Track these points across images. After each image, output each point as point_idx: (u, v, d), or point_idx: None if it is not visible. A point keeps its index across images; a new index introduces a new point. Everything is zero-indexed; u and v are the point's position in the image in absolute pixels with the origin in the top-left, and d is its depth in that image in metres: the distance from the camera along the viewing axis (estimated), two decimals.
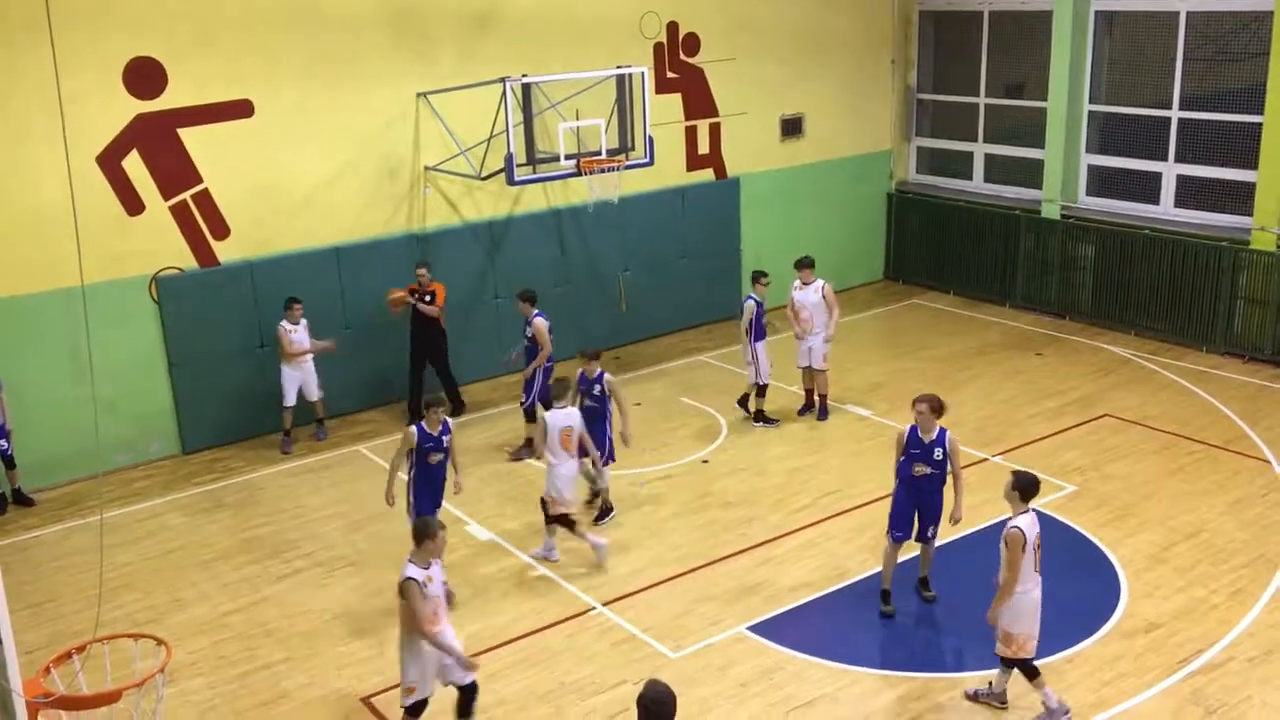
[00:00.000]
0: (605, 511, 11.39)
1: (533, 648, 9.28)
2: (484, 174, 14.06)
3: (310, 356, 13.22)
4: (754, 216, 17.61)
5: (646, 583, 10.15)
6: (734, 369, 15.54)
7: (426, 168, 14.51)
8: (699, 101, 16.80)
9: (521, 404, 13.03)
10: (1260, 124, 14.71)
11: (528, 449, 12.36)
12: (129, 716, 7.10)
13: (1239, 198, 15.33)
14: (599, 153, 13.75)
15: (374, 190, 14.23)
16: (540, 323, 12.70)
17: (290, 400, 13.25)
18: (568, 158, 13.50)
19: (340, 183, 13.94)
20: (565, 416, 10.41)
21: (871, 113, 18.77)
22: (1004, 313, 17.44)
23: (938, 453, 9.18)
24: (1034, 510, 8.07)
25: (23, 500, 12.19)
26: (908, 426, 9.29)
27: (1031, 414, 13.54)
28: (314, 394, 13.45)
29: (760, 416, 13.57)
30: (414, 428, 9.98)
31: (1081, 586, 9.86)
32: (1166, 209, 16.24)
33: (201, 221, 13.14)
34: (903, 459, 9.32)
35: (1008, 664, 8.12)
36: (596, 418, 11.10)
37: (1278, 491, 11.37)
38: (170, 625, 9.72)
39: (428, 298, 13.69)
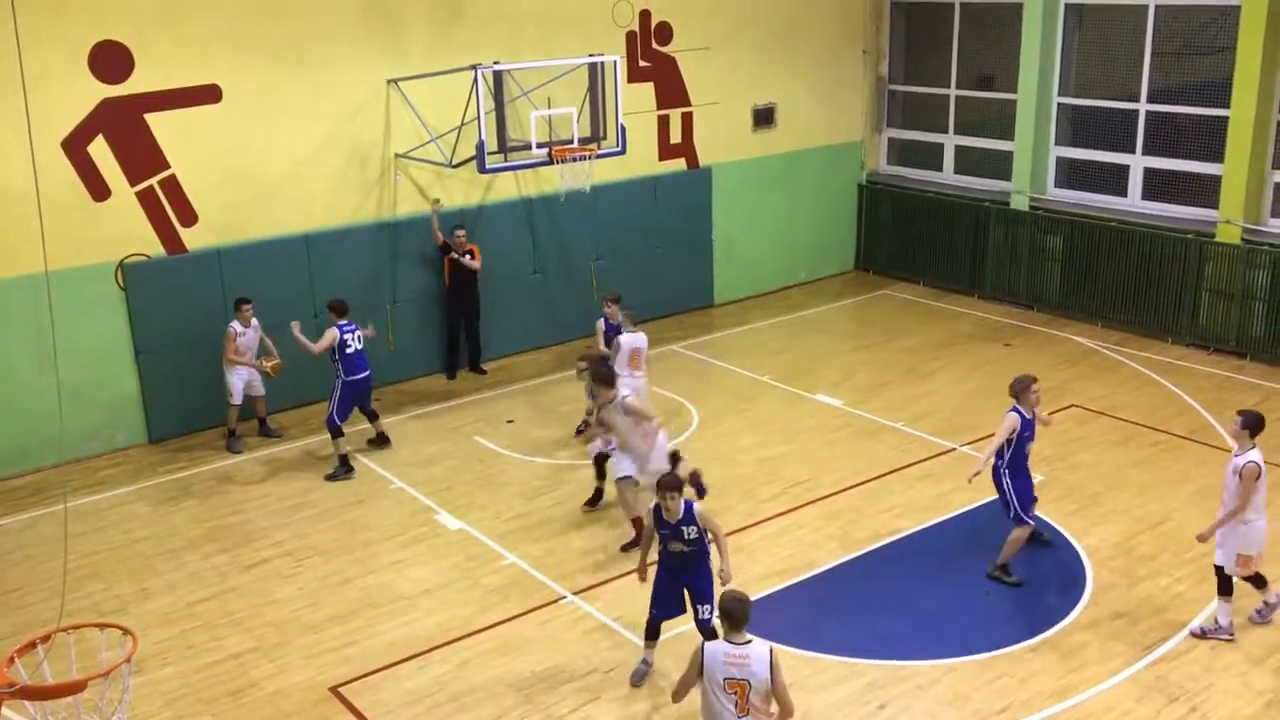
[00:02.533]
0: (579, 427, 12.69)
1: (503, 637, 9.28)
2: (455, 162, 14.00)
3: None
4: (726, 206, 17.63)
5: (617, 572, 10.17)
6: (706, 359, 15.59)
7: (397, 155, 14.42)
8: (671, 90, 16.78)
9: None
10: (1226, 117, 14.87)
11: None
12: (95, 706, 7.04)
13: (1205, 190, 15.50)
14: (571, 141, 13.71)
15: (344, 177, 14.13)
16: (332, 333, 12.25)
17: (238, 399, 12.95)
18: (539, 146, 13.45)
19: (309, 170, 13.84)
20: (635, 339, 11.98)
21: (843, 103, 18.82)
22: (973, 303, 17.56)
23: (1035, 424, 9.69)
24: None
25: None
26: (1015, 414, 9.55)
27: (1000, 404, 13.49)
28: (258, 390, 13.14)
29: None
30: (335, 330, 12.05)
31: (1047, 575, 9.96)
32: (1134, 201, 16.39)
33: (169, 208, 13.01)
34: (1017, 445, 9.59)
35: (1226, 592, 8.85)
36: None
37: None
38: (137, 615, 9.65)
39: (467, 255, 14.29)
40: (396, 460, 12.61)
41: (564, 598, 9.82)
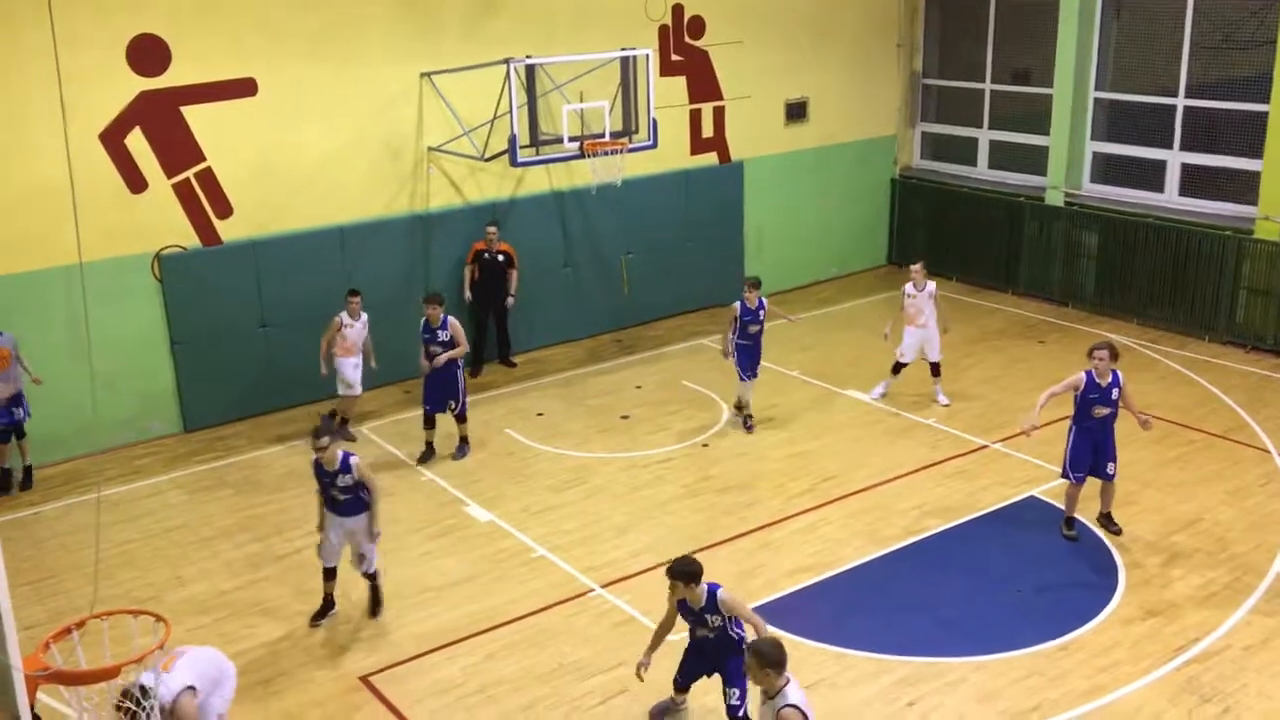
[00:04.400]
0: (745, 421, 12.90)
1: (531, 629, 9.32)
2: (487, 155, 14.04)
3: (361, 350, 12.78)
4: (757, 201, 17.58)
5: (645, 565, 10.18)
6: None
7: (430, 148, 14.48)
8: (703, 84, 16.75)
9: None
10: (1266, 113, 14.66)
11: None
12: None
13: (1244, 187, 15.29)
14: (602, 135, 13.71)
15: (377, 170, 14.21)
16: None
17: (357, 390, 12.76)
18: (571, 140, 13.47)
19: (343, 162, 13.93)
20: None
21: (877, 97, 18.71)
22: (1007, 300, 17.42)
23: (1114, 393, 9.98)
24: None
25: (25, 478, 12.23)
26: (1083, 372, 10.02)
27: (1033, 402, 13.50)
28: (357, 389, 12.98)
29: None
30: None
31: (1079, 574, 9.89)
32: (1171, 197, 16.19)
33: (205, 200, 13.13)
34: (1080, 404, 10.07)
35: None
36: (753, 338, 12.67)
37: (1277, 481, 11.38)
38: (170, 602, 9.75)
39: (500, 257, 14.58)
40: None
41: (592, 591, 9.84)
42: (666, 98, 15.94)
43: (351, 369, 12.69)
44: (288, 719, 8.27)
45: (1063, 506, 10.82)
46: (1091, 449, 10.20)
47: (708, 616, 7.37)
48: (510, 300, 14.80)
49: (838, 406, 13.66)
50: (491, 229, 14.54)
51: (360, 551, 9.39)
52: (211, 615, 9.62)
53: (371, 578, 9.53)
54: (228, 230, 13.34)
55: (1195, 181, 15.98)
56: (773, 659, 6.18)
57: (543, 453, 12.64)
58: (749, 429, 12.95)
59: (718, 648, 7.52)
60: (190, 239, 13.15)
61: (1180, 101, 15.83)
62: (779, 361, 14.97)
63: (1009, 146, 18.24)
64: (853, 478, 11.73)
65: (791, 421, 13.26)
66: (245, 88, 13.09)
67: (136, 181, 12.66)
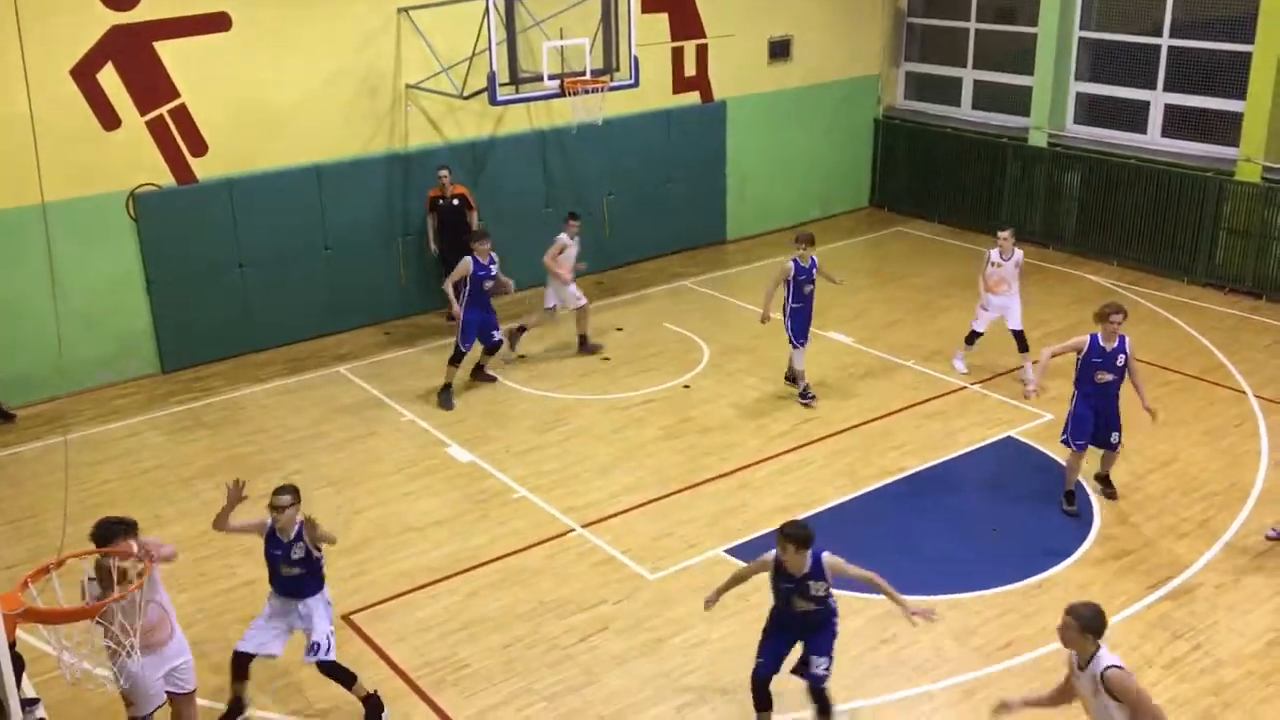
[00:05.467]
0: (804, 391, 12.16)
1: (512, 568, 9.38)
2: (466, 93, 13.86)
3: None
4: (740, 141, 17.45)
5: (625, 505, 10.24)
6: (718, 295, 15.54)
7: (408, 86, 14.28)
8: (685, 22, 16.53)
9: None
10: (1249, 53, 14.59)
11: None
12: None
13: (1226, 128, 15.26)
14: (583, 73, 13.55)
15: (354, 108, 14.02)
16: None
17: (584, 299, 13.45)
18: (551, 78, 13.30)
19: (320, 100, 13.72)
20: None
21: (861, 36, 18.52)
22: (988, 241, 17.31)
23: (1120, 359, 9.54)
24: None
25: (3, 416, 12.16)
26: (1088, 335, 9.60)
27: (1013, 343, 13.58)
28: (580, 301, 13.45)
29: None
30: (470, 259, 12.02)
31: (1055, 513, 9.99)
32: (1153, 138, 16.16)
33: (179, 138, 12.93)
34: (1082, 368, 9.66)
35: None
36: (807, 300, 11.98)
37: (1251, 422, 11.50)
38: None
39: (456, 201, 14.20)
40: (408, 393, 12.66)
41: (573, 530, 9.90)
42: (648, 35, 15.72)
43: (569, 286, 13.45)
44: (268, 658, 8.29)
45: (1041, 448, 10.92)
46: (1094, 416, 9.74)
47: (810, 583, 6.91)
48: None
49: (819, 348, 13.66)
50: (443, 173, 14.16)
51: (313, 639, 7.49)
52: (191, 554, 9.63)
53: (329, 667, 7.51)
54: (203, 168, 13.17)
55: (1178, 123, 15.94)
56: (1094, 625, 5.80)
57: (524, 394, 12.64)
58: (809, 401, 12.07)
59: (814, 620, 7.09)
60: (165, 177, 12.97)
61: (1165, 41, 15.73)
62: (761, 303, 14.96)
63: (993, 87, 18.13)
64: (833, 419, 11.79)
65: (772, 363, 13.28)
66: (218, 22, 12.84)
67: (109, 119, 12.45)
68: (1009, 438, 11.32)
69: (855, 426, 11.62)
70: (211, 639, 8.49)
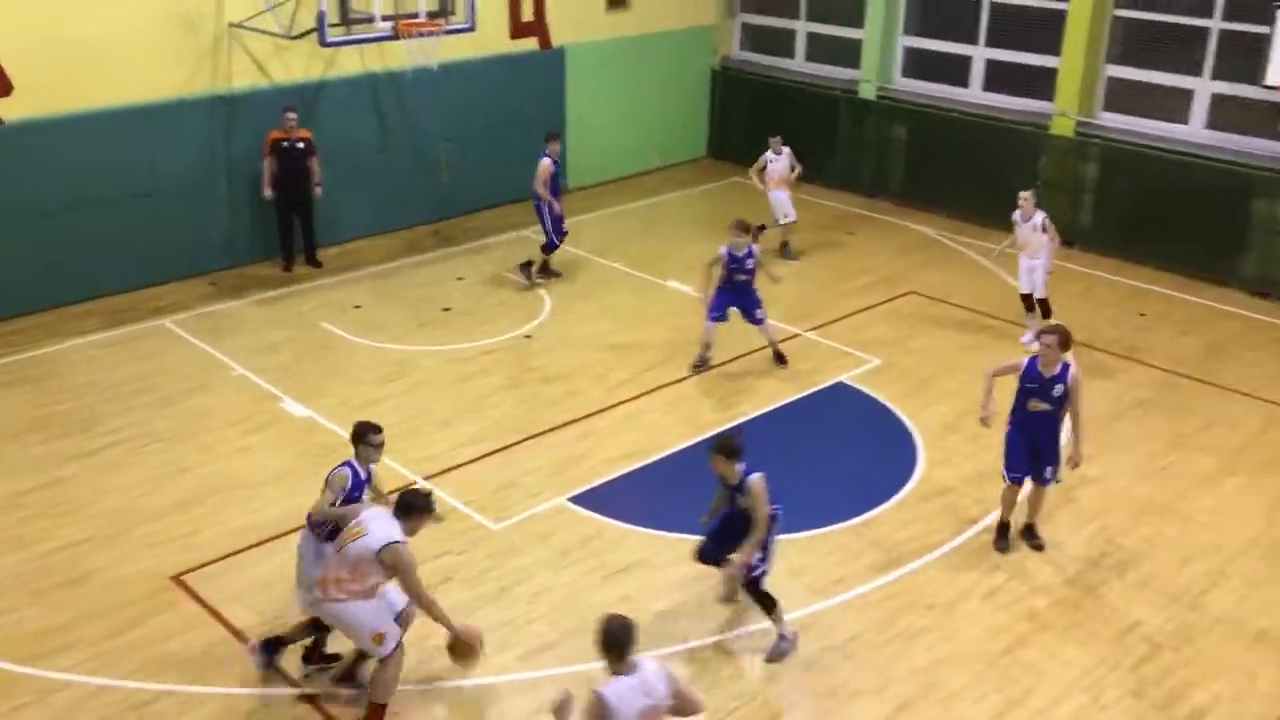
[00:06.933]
0: (779, 357, 12.00)
1: None
2: (294, 33, 13.35)
3: None
4: (579, 89, 17.34)
5: (468, 457, 10.20)
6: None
7: (231, 24, 13.64)
8: None
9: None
10: (1065, 11, 15.28)
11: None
12: None
13: (1043, 83, 15.98)
14: (417, 15, 13.24)
15: (173, 46, 13.32)
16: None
17: (793, 215, 15.06)
18: (384, 19, 12.95)
19: (135, 36, 12.98)
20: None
21: None
22: (819, 192, 17.82)
23: (1057, 390, 8.45)
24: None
25: None
26: (1026, 358, 8.61)
27: (842, 291, 14.05)
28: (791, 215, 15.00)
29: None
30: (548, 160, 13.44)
31: (882, 454, 10.43)
32: (976, 92, 16.80)
33: None
34: (1017, 393, 8.62)
35: None
36: (749, 287, 11.71)
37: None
38: None
39: (300, 144, 13.73)
40: (238, 346, 12.26)
41: (415, 482, 9.81)
42: None
43: (785, 200, 14.89)
44: (95, 621, 8.01)
45: (870, 391, 11.35)
46: (1029, 447, 8.71)
47: (738, 496, 7.57)
48: (319, 190, 14.18)
49: (658, 297, 13.83)
50: (291, 115, 13.70)
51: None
52: (10, 516, 9.16)
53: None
54: (9, 109, 12.34)
55: (999, 77, 16.61)
56: (626, 646, 5.48)
57: (361, 346, 12.39)
58: (698, 368, 11.83)
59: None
60: None
61: None
62: (601, 253, 15.03)
63: (826, 39, 18.48)
64: (672, 367, 11.96)
65: (613, 312, 13.37)
66: None
67: None
68: (839, 382, 11.72)
69: (696, 374, 11.83)
70: (24, 605, 8.12)
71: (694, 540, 8.77)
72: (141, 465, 10.03)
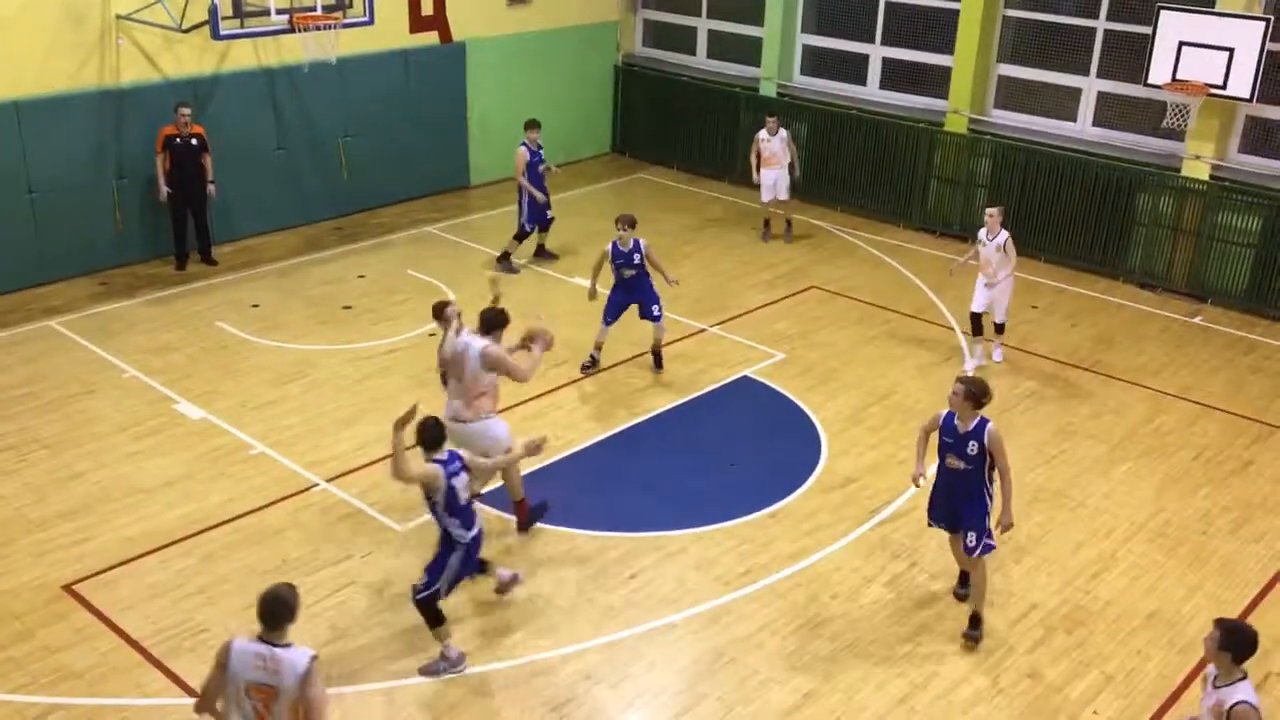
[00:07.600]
0: (658, 359, 11.89)
1: (252, 527, 9.05)
2: (185, 26, 12.99)
3: None
4: (481, 85, 17.20)
5: (372, 457, 10.05)
6: (462, 241, 15.37)
7: (118, 16, 13.22)
8: None
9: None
10: (958, 10, 15.64)
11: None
12: None
13: (937, 81, 16.34)
14: (314, 8, 12.98)
15: (56, 38, 12.84)
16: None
17: (784, 194, 15.61)
18: (279, 12, 12.68)
19: (15, 28, 12.50)
20: None
21: None
22: (725, 188, 17.98)
23: (972, 447, 7.68)
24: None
25: None
26: (945, 411, 7.79)
27: (747, 286, 14.18)
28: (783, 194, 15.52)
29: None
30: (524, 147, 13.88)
31: (787, 447, 10.56)
32: (873, 90, 17.10)
33: None
34: (938, 447, 7.89)
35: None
36: (642, 283, 11.59)
37: (958, 356, 12.49)
38: None
39: (194, 141, 13.48)
40: (130, 347, 11.89)
41: (316, 485, 9.63)
42: None
43: (776, 181, 15.39)
44: None
45: (773, 385, 11.48)
46: (947, 499, 7.98)
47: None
48: (212, 189, 13.82)
49: (564, 293, 13.79)
50: (185, 110, 13.35)
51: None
52: None
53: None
54: None
55: (895, 75, 16.93)
56: (278, 617, 5.50)
57: (259, 346, 12.12)
58: (587, 369, 11.76)
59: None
60: None
61: None
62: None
63: (727, 36, 18.63)
64: (579, 362, 11.94)
65: (517, 309, 13.24)
66: None
67: None
68: (745, 377, 11.83)
69: (602, 371, 11.83)
70: None
71: (602, 536, 8.79)
72: (28, 473, 9.66)
